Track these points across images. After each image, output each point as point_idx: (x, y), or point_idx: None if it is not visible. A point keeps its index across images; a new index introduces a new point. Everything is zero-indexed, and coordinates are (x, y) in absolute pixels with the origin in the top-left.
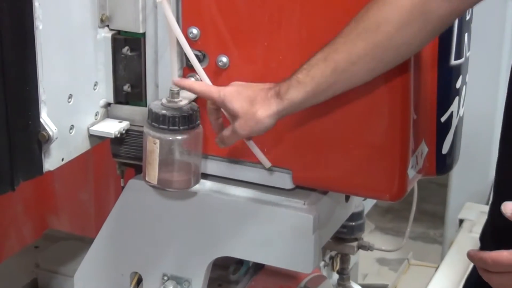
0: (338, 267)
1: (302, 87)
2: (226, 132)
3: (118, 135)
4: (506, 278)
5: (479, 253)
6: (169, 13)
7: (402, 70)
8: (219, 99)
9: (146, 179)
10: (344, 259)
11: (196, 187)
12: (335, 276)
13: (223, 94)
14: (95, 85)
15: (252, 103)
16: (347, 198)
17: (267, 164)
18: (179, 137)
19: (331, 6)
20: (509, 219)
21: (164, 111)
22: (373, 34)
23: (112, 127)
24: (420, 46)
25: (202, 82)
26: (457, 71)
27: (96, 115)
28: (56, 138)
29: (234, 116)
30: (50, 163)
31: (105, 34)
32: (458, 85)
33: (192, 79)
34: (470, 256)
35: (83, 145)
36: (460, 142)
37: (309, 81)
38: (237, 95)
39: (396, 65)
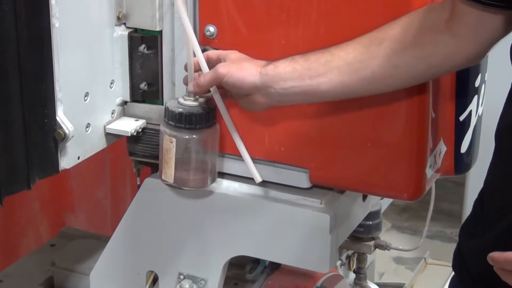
0: (354, 266)
1: (293, 63)
2: (206, 74)
3: (135, 134)
4: None
5: (505, 254)
6: (182, 10)
7: None
8: (223, 51)
9: (163, 177)
10: (361, 258)
11: (213, 185)
12: (352, 275)
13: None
14: (111, 83)
15: (246, 58)
16: (365, 197)
17: (258, 179)
18: (195, 136)
19: (349, 4)
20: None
21: (180, 110)
22: (376, 48)
23: (129, 126)
24: (414, 80)
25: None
26: (476, 69)
27: (112, 113)
28: (72, 137)
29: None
30: (66, 161)
31: (122, 32)
32: (477, 83)
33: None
34: (494, 259)
35: (100, 144)
36: (479, 141)
37: (301, 61)
38: (240, 53)
39: (387, 90)
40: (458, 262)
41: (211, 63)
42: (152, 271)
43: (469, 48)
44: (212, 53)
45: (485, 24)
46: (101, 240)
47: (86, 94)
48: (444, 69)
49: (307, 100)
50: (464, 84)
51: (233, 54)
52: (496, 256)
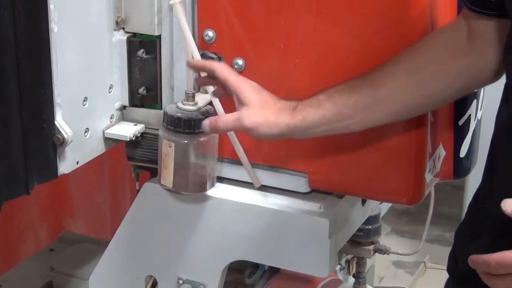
0: (354, 270)
1: (321, 110)
2: (229, 116)
3: (133, 138)
4: (510, 280)
5: (482, 256)
6: (181, 15)
7: None
8: (237, 81)
9: (161, 182)
10: (360, 262)
11: (212, 190)
12: (351, 280)
13: (243, 79)
14: (110, 88)
15: (268, 103)
16: (364, 202)
17: (257, 183)
18: (194, 140)
19: (348, 9)
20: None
21: (179, 114)
22: (404, 80)
23: (127, 130)
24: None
25: (222, 63)
26: None
27: (111, 118)
28: (71, 141)
29: (244, 104)
30: (65, 166)
31: (121, 37)
32: None
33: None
34: (472, 261)
35: (98, 148)
36: (478, 146)
37: (329, 105)
38: (257, 89)
39: (416, 115)
40: (452, 265)
41: (208, 71)
42: (151, 276)
43: (493, 66)
44: (219, 71)
45: (501, 37)
46: (100, 245)
47: (85, 99)
48: (469, 90)
49: (331, 134)
50: None
51: (252, 95)
52: (474, 259)
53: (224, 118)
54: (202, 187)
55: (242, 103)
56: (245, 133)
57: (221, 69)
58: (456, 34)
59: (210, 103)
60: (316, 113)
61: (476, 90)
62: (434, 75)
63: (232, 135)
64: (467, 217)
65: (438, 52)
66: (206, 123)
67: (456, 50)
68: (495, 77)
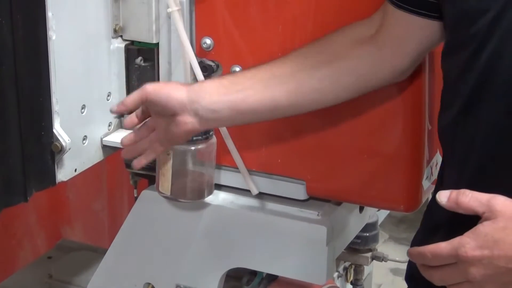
0: (352, 277)
1: (219, 78)
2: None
3: None
4: (446, 271)
5: (418, 248)
6: (179, 23)
7: (416, 80)
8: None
9: (159, 190)
10: (358, 269)
11: (210, 198)
12: (349, 287)
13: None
14: (108, 95)
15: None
16: (361, 209)
17: (254, 191)
18: (192, 148)
19: (345, 18)
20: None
21: None
22: (303, 61)
23: None
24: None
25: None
26: None
27: (109, 125)
28: (69, 149)
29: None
30: (63, 173)
31: (119, 45)
32: None
33: None
34: (411, 254)
35: (96, 156)
36: None
37: (228, 77)
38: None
39: (318, 102)
40: (408, 275)
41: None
42: (149, 284)
43: (394, 60)
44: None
45: (412, 35)
46: (98, 252)
47: (83, 107)
48: (371, 84)
49: (238, 118)
50: None
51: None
52: (411, 251)
53: (132, 93)
54: (200, 195)
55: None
56: (149, 102)
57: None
58: (367, 25)
59: None
60: (214, 80)
61: None
62: (330, 59)
63: (230, 142)
64: (423, 222)
65: (341, 39)
66: (114, 106)
67: (359, 39)
68: (402, 75)
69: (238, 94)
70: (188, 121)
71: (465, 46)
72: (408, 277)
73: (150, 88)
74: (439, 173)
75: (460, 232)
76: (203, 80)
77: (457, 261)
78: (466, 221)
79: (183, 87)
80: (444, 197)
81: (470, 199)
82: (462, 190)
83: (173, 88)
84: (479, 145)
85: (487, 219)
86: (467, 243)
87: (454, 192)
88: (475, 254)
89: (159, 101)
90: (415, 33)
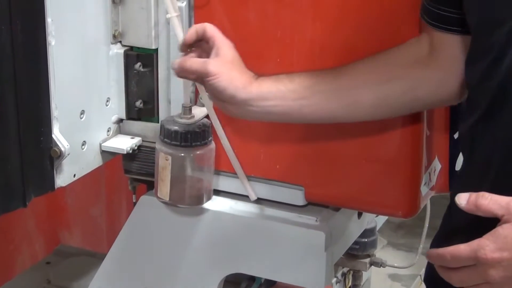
0: (350, 283)
1: (278, 83)
2: (197, 59)
3: (130, 151)
4: (465, 273)
5: (437, 250)
6: (178, 29)
7: None
8: (221, 38)
9: (158, 195)
10: (357, 275)
11: (208, 203)
12: None
13: (228, 40)
14: (107, 101)
15: (238, 64)
16: (360, 215)
17: (253, 196)
18: (191, 154)
19: (343, 22)
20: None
21: (176, 127)
22: (363, 76)
23: (124, 143)
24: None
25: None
26: None
27: (108, 131)
28: (68, 154)
29: (217, 55)
30: (62, 179)
31: (118, 50)
32: None
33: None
34: (429, 255)
35: (95, 161)
36: None
37: (286, 81)
38: (235, 51)
39: (373, 118)
40: (428, 276)
41: (199, 36)
42: None
43: (452, 81)
44: (208, 27)
45: (464, 54)
46: (97, 258)
47: (82, 112)
48: (428, 103)
49: (283, 120)
50: None
51: (228, 51)
52: (430, 253)
53: (192, 59)
54: (199, 200)
55: (216, 55)
56: (206, 83)
57: (211, 27)
58: (418, 45)
59: (207, 116)
60: (272, 85)
61: None
62: (391, 77)
63: (228, 147)
64: (443, 225)
65: (399, 59)
66: (175, 61)
67: (415, 60)
68: (458, 96)
69: (294, 103)
70: (234, 112)
71: (487, 54)
72: (427, 278)
73: (213, 71)
74: (458, 179)
75: (479, 235)
76: (262, 79)
77: (476, 263)
78: (485, 224)
79: (242, 85)
80: (463, 199)
81: (490, 201)
82: (482, 193)
83: (233, 82)
84: (501, 150)
85: (506, 221)
86: (486, 245)
87: (473, 195)
88: (494, 256)
89: (215, 88)
90: (464, 51)
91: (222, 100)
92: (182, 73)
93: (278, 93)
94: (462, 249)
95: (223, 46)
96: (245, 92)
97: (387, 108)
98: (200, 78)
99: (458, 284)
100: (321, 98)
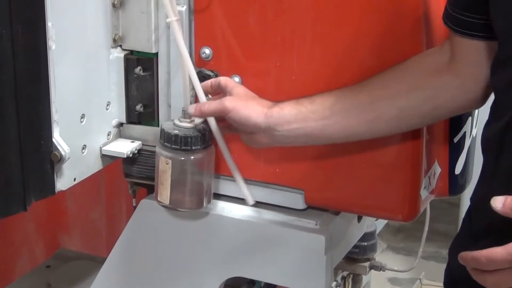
0: (350, 287)
1: (299, 105)
2: (213, 100)
3: (130, 155)
4: (500, 276)
5: (472, 253)
6: (178, 33)
7: None
8: (233, 82)
9: (158, 199)
10: (356, 279)
11: (208, 207)
12: None
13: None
14: (107, 105)
15: (253, 96)
16: (360, 219)
17: (250, 201)
18: (191, 157)
19: (343, 26)
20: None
21: (176, 131)
22: (382, 91)
23: (125, 147)
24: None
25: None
26: None
27: (108, 135)
28: (69, 158)
29: (231, 94)
30: (62, 183)
31: (118, 54)
32: None
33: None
34: (462, 258)
35: (96, 165)
36: (473, 163)
37: (306, 103)
38: (247, 90)
39: (396, 131)
40: (448, 280)
41: (214, 89)
42: None
43: (473, 87)
44: (222, 79)
45: (486, 59)
46: (97, 262)
47: (82, 116)
48: (451, 111)
49: (311, 142)
50: None
51: (241, 89)
52: (464, 256)
53: (208, 102)
54: (199, 204)
55: (230, 95)
56: (227, 119)
57: (225, 78)
58: (439, 53)
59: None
60: (293, 107)
61: None
62: (410, 88)
63: (226, 152)
64: (462, 229)
65: (418, 68)
66: (192, 106)
67: (436, 68)
68: (479, 101)
69: (317, 123)
70: (264, 141)
71: None
72: (447, 282)
73: (230, 106)
74: (480, 182)
75: (502, 241)
76: (282, 103)
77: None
78: (505, 228)
79: (262, 111)
80: (499, 203)
81: None
82: None
83: (252, 110)
84: None
85: None
86: None
87: (509, 198)
88: None
89: (238, 120)
90: (488, 57)
91: (248, 131)
92: (201, 116)
93: (299, 115)
94: (497, 251)
95: (235, 87)
96: (267, 117)
97: (410, 120)
98: (221, 116)
99: (492, 286)
100: (342, 117)
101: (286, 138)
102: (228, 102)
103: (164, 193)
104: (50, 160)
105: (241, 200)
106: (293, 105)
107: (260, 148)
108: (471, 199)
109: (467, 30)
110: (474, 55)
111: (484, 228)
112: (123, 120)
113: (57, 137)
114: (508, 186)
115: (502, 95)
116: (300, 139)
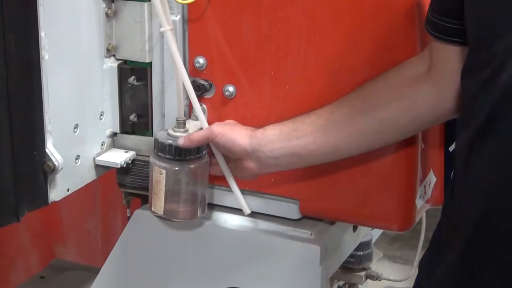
0: None
1: (280, 125)
2: (200, 130)
3: (124, 165)
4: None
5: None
6: (172, 42)
7: None
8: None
9: (152, 209)
10: None
11: (203, 217)
12: None
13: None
14: (101, 115)
15: (236, 124)
16: (355, 228)
17: (247, 211)
18: (185, 167)
19: (338, 35)
20: None
21: (170, 141)
22: (360, 105)
23: (118, 157)
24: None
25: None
26: None
27: (102, 145)
28: (62, 169)
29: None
30: (56, 193)
31: (111, 64)
32: None
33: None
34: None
35: (89, 175)
36: None
37: (288, 123)
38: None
39: (379, 143)
40: None
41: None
42: None
43: (450, 96)
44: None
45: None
46: (91, 272)
47: (76, 126)
48: (430, 120)
49: (297, 163)
50: None
51: (229, 120)
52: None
53: (196, 132)
54: (193, 214)
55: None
56: (215, 143)
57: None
58: (418, 63)
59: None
60: (276, 127)
61: None
62: (389, 100)
63: (222, 162)
64: (431, 244)
65: (397, 79)
66: (181, 138)
67: (415, 77)
68: (458, 110)
69: (298, 141)
70: (251, 167)
71: (485, 66)
72: None
73: (217, 130)
74: (448, 191)
75: (469, 253)
76: (266, 126)
77: None
78: (471, 240)
79: (246, 134)
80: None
81: None
82: None
83: (238, 134)
84: (498, 165)
85: None
86: None
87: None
88: None
89: (224, 144)
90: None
91: (235, 156)
92: (192, 145)
93: (282, 134)
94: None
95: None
96: (251, 138)
97: (391, 131)
98: (209, 142)
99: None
100: (323, 132)
101: (271, 159)
102: (215, 127)
103: (158, 203)
104: (43, 171)
105: (235, 210)
106: (275, 126)
107: (251, 178)
108: (442, 209)
109: (446, 35)
110: (452, 62)
111: (452, 239)
112: (117, 130)
113: (50, 147)
114: (478, 193)
115: (470, 103)
116: (284, 160)
